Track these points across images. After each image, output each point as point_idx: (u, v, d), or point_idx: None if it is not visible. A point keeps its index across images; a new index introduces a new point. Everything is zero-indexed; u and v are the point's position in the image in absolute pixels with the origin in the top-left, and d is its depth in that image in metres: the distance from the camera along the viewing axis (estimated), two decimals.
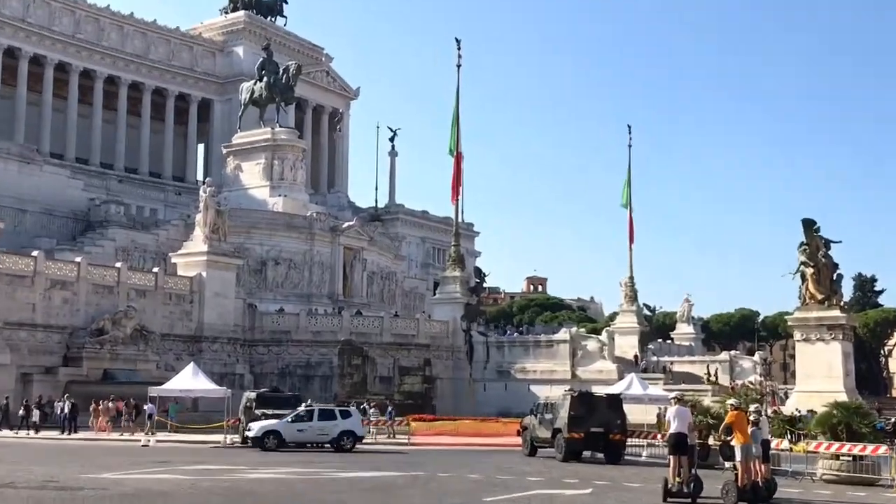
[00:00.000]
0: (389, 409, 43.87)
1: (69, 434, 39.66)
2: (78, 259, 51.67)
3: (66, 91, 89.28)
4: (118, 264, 54.11)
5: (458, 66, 66.26)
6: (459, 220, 71.08)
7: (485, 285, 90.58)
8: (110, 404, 42.13)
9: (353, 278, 73.52)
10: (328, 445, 33.77)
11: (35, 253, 49.55)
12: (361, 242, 74.38)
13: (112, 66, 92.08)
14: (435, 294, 72.00)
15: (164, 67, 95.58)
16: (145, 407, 38.95)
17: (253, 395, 38.25)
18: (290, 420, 34.18)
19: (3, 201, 65.15)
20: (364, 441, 35.34)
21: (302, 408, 35.30)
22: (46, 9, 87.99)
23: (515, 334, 70.02)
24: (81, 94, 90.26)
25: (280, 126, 77.99)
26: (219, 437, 37.25)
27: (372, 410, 43.76)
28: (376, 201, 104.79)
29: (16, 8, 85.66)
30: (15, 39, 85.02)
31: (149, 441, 35.84)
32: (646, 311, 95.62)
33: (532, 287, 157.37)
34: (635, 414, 39.16)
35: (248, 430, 34.48)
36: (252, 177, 76.82)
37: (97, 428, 41.04)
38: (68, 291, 48.86)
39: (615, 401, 32.10)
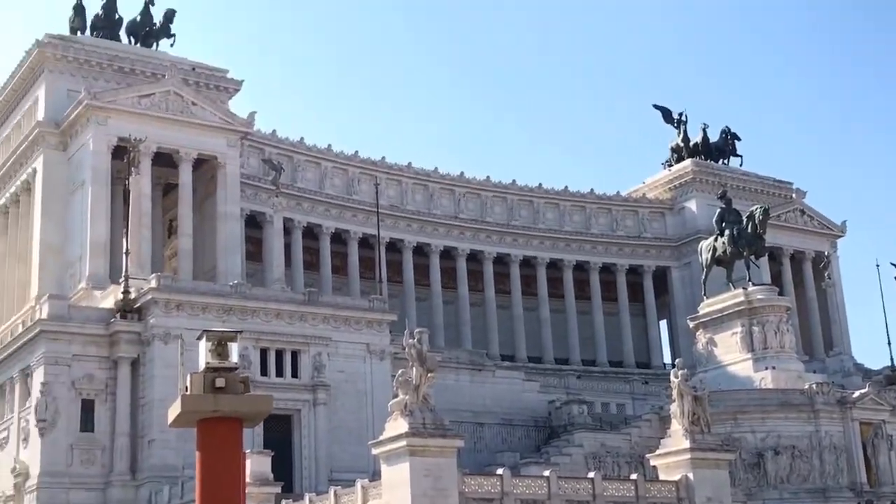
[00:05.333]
0: None
1: None
2: (546, 473, 54.05)
3: (507, 285, 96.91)
4: (591, 474, 55.61)
5: None
6: None
7: None
8: None
9: (878, 461, 68.67)
10: None
11: (500, 471, 52.68)
12: (880, 414, 69.70)
13: (552, 249, 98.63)
14: None
15: (609, 240, 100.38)
16: None
17: None
18: None
19: (459, 415, 70.77)
20: None
21: None
22: (477, 200, 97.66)
23: None
24: (524, 286, 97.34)
25: (753, 284, 77.26)
26: None
27: None
28: (892, 359, 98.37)
29: (447, 206, 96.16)
30: (448, 238, 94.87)
31: None
32: None
33: None
34: None
35: None
36: (728, 350, 76.27)
37: None
38: None
39: None
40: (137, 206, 74.90)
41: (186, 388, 10.68)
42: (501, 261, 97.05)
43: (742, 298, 75.90)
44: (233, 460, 10.74)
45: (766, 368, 73.08)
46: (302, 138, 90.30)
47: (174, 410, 10.78)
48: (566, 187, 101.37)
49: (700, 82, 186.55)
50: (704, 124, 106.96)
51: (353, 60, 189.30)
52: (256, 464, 57.79)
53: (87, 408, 65.31)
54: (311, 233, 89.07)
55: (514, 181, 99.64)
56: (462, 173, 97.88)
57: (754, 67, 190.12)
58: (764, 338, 74.75)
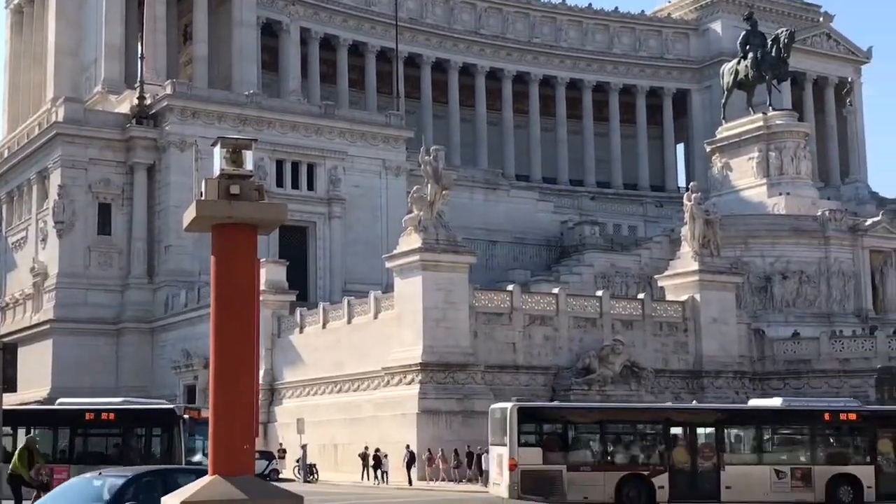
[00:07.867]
0: None
1: None
2: (555, 290, 55.05)
3: (525, 104, 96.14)
4: (599, 293, 56.61)
5: None
6: None
7: None
8: None
9: (886, 289, 69.62)
10: None
11: (510, 287, 53.69)
12: (891, 242, 70.27)
13: (572, 69, 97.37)
14: None
15: (631, 61, 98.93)
16: None
17: None
18: None
19: (472, 233, 71.57)
20: None
21: None
22: (499, 16, 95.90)
23: None
24: (542, 106, 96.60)
25: (773, 109, 76.61)
26: None
27: None
28: None
29: (467, 21, 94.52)
30: (468, 55, 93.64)
31: None
32: None
33: None
34: None
35: None
36: (744, 175, 76.27)
37: None
38: (548, 327, 52.18)
39: None
40: (152, 10, 73.87)
41: (201, 193, 10.82)
42: (521, 80, 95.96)
43: (761, 123, 75.41)
44: (247, 266, 10.98)
45: (781, 194, 73.23)
46: None
47: (189, 215, 10.96)
48: (590, 4, 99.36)
49: None
50: None
51: None
52: (272, 272, 58.96)
53: (105, 212, 66.30)
54: (328, 44, 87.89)
55: None
56: None
57: None
58: (780, 163, 74.60)
